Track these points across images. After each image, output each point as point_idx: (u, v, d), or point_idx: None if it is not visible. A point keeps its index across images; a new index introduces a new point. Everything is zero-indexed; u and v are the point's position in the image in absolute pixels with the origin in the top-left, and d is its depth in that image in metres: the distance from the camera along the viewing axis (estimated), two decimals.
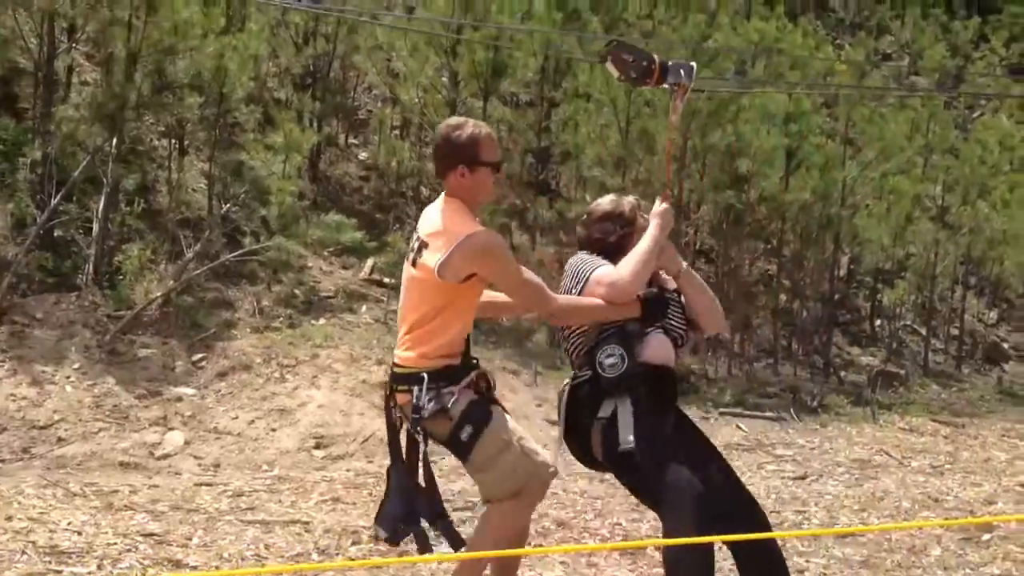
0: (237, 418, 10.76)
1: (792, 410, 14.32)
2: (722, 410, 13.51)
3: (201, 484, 8.87)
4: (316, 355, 12.29)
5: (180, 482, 8.99)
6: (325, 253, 15.49)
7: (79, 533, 6.70)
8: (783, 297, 18.31)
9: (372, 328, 13.82)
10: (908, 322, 20.41)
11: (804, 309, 18.41)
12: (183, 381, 11.44)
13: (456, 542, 4.26)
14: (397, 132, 19.34)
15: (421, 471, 4.25)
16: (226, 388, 11.49)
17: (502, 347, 14.37)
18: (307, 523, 7.52)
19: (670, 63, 4.20)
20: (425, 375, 4.13)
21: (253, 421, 10.73)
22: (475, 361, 4.32)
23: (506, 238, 17.23)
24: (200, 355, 12.04)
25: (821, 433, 13.30)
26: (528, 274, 4.19)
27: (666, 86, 4.23)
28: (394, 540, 4.30)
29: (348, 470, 9.87)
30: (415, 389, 4.13)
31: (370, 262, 15.60)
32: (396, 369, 4.27)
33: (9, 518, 6.95)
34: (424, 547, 4.25)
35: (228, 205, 14.87)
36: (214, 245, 14.15)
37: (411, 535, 4.26)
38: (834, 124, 19.71)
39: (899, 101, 20.31)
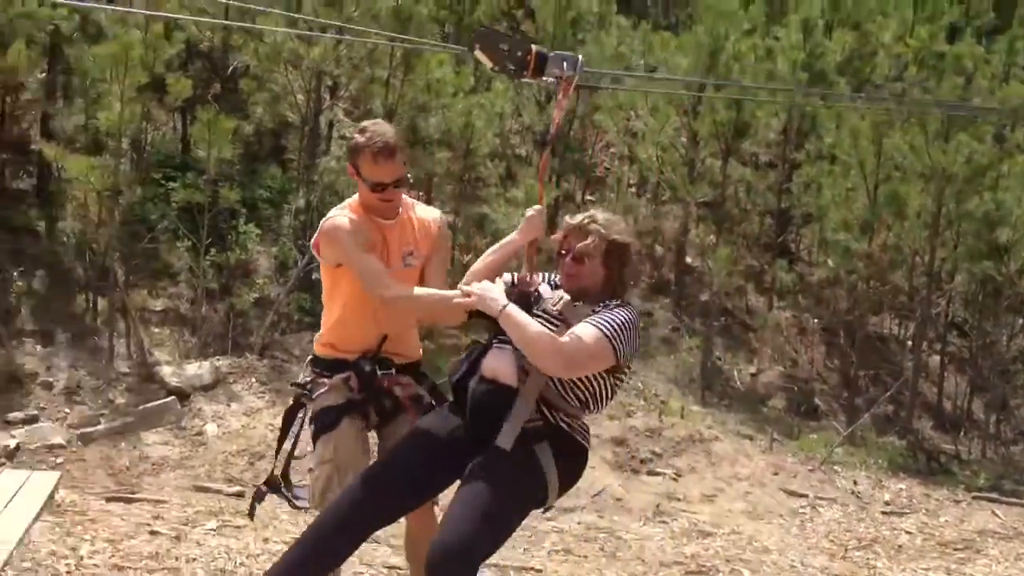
0: None
1: None
2: (975, 494, 12.57)
3: None
4: None
5: None
6: None
7: None
8: None
9: None
10: None
11: None
12: None
13: (291, 504, 4.26)
14: (633, 190, 19.43)
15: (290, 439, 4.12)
16: None
17: (736, 411, 14.03)
18: (540, 571, 7.53)
19: (551, 54, 3.79)
20: (310, 356, 4.16)
21: None
22: (372, 364, 3.95)
23: (742, 299, 17.04)
24: None
25: None
26: (370, 260, 3.83)
27: (548, 79, 3.82)
28: (255, 499, 4.27)
29: (579, 523, 9.84)
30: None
31: None
32: None
33: (265, 540, 7.32)
34: (252, 508, 4.27)
35: (470, 256, 15.33)
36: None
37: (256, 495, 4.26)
38: None
39: None
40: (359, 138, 3.90)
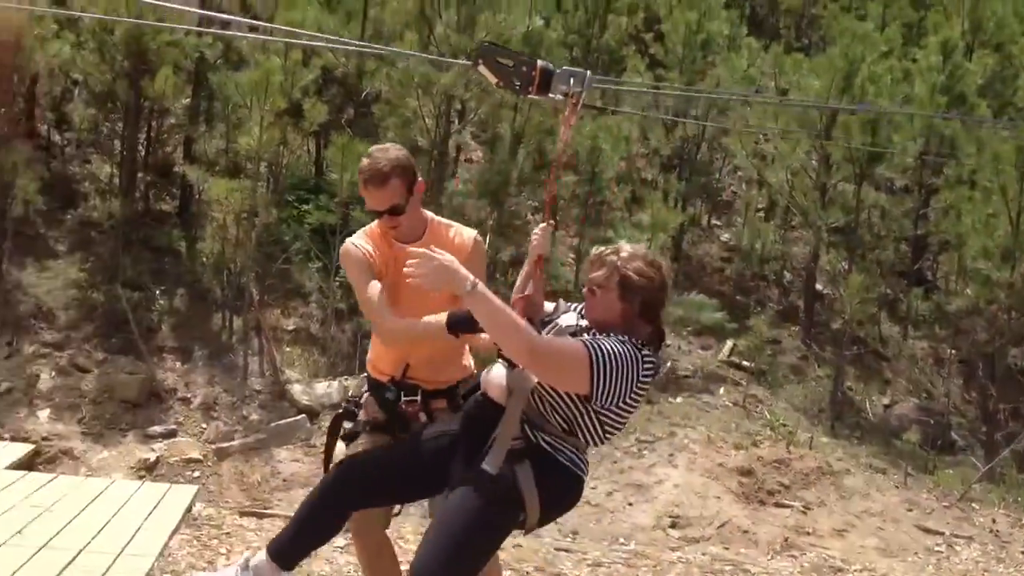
0: (596, 488, 10.88)
1: None
2: None
3: (561, 550, 9.01)
4: (673, 433, 12.23)
5: (541, 544, 9.19)
6: (684, 332, 15.47)
7: None
8: None
9: (730, 411, 13.57)
10: None
11: None
12: None
13: None
14: (762, 214, 19.09)
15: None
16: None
17: (868, 444, 13.58)
18: None
19: (558, 70, 3.63)
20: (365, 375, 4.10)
21: (611, 493, 10.81)
22: (396, 391, 3.86)
23: (874, 328, 16.51)
24: None
25: None
26: (370, 290, 3.69)
27: (556, 96, 3.65)
28: None
29: (704, 554, 9.63)
30: None
31: (729, 344, 15.39)
32: None
33: None
34: None
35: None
36: None
37: None
38: None
39: None
40: (365, 163, 3.77)
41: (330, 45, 14.41)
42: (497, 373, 3.38)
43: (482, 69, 3.71)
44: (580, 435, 3.29)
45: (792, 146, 16.77)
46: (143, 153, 15.21)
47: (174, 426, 11.45)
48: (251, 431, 11.60)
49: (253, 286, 13.52)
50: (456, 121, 16.23)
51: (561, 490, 3.36)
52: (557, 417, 3.28)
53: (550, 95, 3.61)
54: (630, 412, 3.30)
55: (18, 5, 12.93)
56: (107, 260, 13.56)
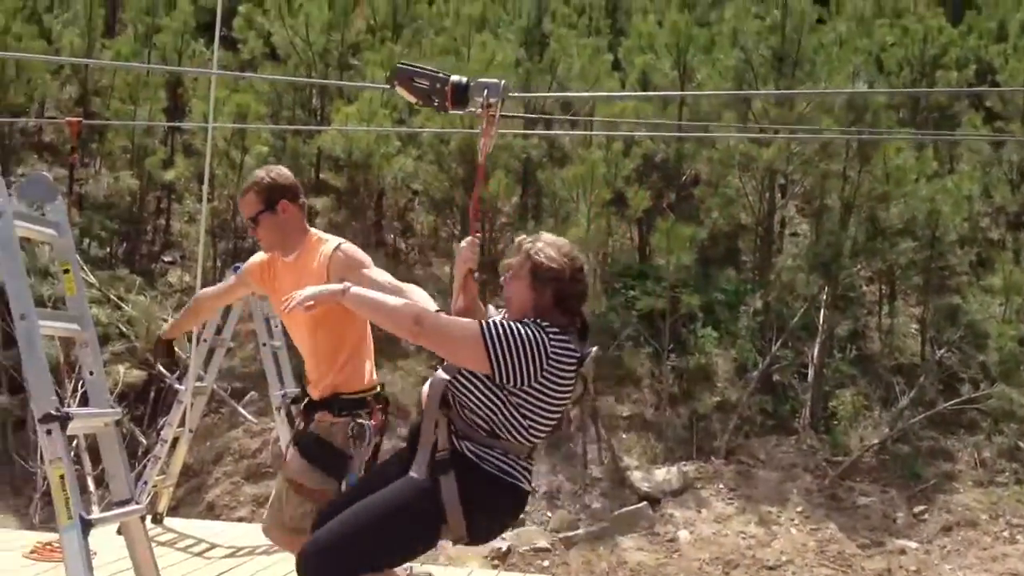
0: None
1: None
2: None
3: None
4: None
5: None
6: None
7: None
8: None
9: None
10: None
11: None
12: (905, 533, 10.99)
13: None
14: None
15: None
16: (951, 544, 10.79)
17: None
18: None
19: (472, 83, 3.57)
20: None
21: None
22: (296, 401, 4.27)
23: None
24: (921, 507, 11.52)
25: None
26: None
27: (472, 109, 3.60)
28: None
29: None
30: None
31: None
32: None
33: None
34: None
35: (942, 351, 14.25)
36: (929, 392, 13.63)
37: None
38: None
39: None
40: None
41: (650, 133, 14.69)
42: (427, 384, 3.41)
43: (399, 90, 3.78)
44: (505, 434, 3.19)
45: None
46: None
47: (522, 516, 11.76)
48: (595, 519, 11.69)
49: (587, 374, 13.75)
50: (780, 196, 15.90)
51: (488, 499, 3.25)
52: (479, 420, 3.22)
53: (469, 108, 3.65)
54: (552, 404, 3.18)
55: (367, 128, 14.22)
56: None
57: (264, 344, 5.89)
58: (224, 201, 16.04)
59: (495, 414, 3.21)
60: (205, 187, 6.76)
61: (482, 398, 3.22)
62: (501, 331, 3.13)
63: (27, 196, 3.50)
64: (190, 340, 6.15)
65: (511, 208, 16.16)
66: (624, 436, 13.54)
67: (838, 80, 14.33)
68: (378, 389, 4.12)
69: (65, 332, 3.51)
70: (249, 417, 11.35)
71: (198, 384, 5.94)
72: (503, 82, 3.62)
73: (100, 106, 18.23)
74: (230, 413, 12.96)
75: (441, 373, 3.36)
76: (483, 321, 3.20)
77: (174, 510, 7.10)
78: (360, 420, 3.98)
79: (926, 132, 15.79)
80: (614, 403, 14.11)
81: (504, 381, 3.15)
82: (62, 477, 3.07)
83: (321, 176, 16.80)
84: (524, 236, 3.49)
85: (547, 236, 3.41)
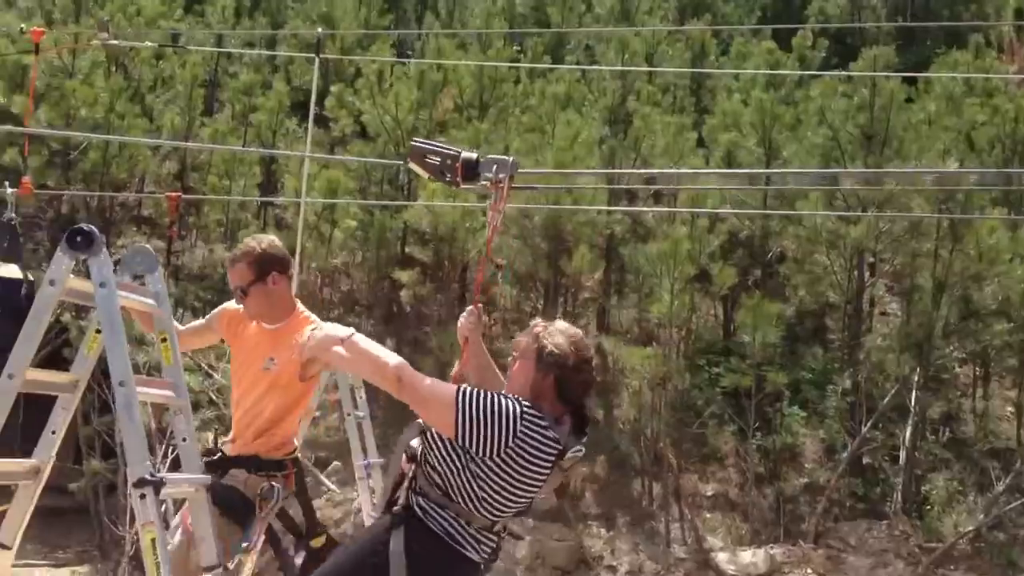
0: None
1: None
2: None
3: None
4: None
5: None
6: None
7: None
8: None
9: None
10: None
11: None
12: None
13: None
14: None
15: None
16: None
17: None
18: None
19: (483, 159, 3.69)
20: None
21: None
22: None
23: None
24: None
25: None
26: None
27: (484, 184, 3.69)
28: None
29: None
30: None
31: None
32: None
33: None
34: None
35: None
36: None
37: None
38: None
39: None
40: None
41: (733, 211, 14.65)
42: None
43: (413, 166, 3.89)
44: (457, 498, 3.16)
45: None
46: None
47: None
48: None
49: (670, 451, 13.60)
50: (869, 274, 15.65)
51: (431, 561, 3.21)
52: (436, 478, 3.21)
53: (480, 183, 3.75)
54: (513, 485, 3.13)
55: (452, 203, 14.47)
56: None
57: (348, 414, 5.95)
58: (312, 274, 16.39)
59: (451, 476, 3.21)
60: (297, 260, 6.95)
61: (442, 457, 3.23)
62: (476, 396, 3.15)
63: (129, 267, 3.67)
64: None
65: (593, 283, 16.19)
66: (708, 515, 13.28)
67: (928, 158, 14.16)
68: (296, 452, 4.32)
69: (161, 399, 3.65)
70: (332, 487, 11.44)
71: None
72: (512, 159, 3.75)
73: (197, 181, 18.90)
74: (313, 483, 13.08)
75: (411, 430, 3.41)
76: (463, 386, 3.22)
77: None
78: (274, 483, 4.14)
79: (1020, 212, 15.42)
80: (697, 481, 13.88)
81: (466, 444, 3.13)
82: (153, 540, 3.16)
83: (407, 250, 17.08)
84: (539, 320, 3.49)
85: (561, 324, 3.42)
